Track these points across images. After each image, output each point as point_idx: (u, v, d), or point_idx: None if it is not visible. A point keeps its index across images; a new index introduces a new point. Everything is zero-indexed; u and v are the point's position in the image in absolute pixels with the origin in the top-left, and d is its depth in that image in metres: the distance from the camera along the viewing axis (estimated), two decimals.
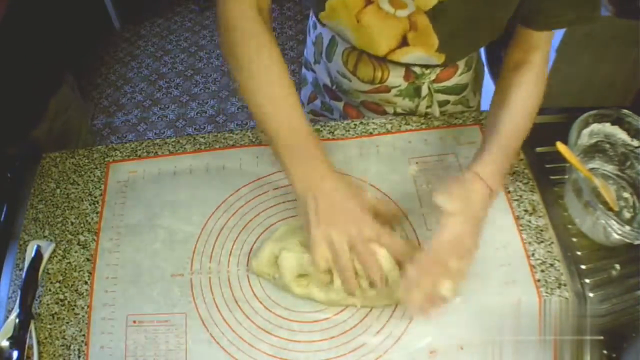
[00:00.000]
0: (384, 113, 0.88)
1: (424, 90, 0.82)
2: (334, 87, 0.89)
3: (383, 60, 0.78)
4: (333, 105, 0.95)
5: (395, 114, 0.88)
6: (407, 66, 0.78)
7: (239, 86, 0.65)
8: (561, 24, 0.68)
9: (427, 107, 0.85)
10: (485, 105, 0.97)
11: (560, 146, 0.66)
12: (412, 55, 0.74)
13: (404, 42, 0.72)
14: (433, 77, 0.81)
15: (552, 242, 0.69)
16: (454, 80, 0.83)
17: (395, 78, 0.81)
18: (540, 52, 0.69)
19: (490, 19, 0.70)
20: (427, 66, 0.78)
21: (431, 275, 0.57)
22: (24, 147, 0.89)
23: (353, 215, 0.60)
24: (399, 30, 0.70)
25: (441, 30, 0.69)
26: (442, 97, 0.85)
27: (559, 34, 1.25)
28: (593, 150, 0.74)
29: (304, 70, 1.00)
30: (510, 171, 0.73)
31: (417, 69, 0.79)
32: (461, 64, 0.81)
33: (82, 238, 0.74)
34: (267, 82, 0.64)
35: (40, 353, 0.64)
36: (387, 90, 0.83)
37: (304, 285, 0.65)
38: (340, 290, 0.62)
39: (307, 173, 0.62)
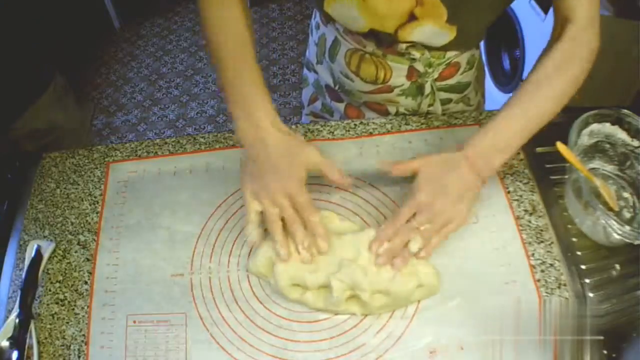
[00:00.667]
0: (387, 113, 0.88)
1: (427, 89, 0.82)
2: (336, 88, 0.89)
3: (386, 57, 0.77)
4: (334, 107, 0.94)
5: (398, 113, 0.87)
6: (411, 65, 0.78)
7: (203, 24, 0.69)
8: None
9: (430, 105, 0.85)
10: (488, 106, 0.97)
11: (560, 146, 0.66)
12: (422, 29, 0.71)
13: (412, 17, 0.70)
14: (436, 75, 0.81)
15: (552, 242, 0.69)
16: (457, 78, 0.83)
17: (398, 77, 0.80)
18: (573, 24, 0.65)
19: None
20: (433, 49, 0.76)
21: (402, 233, 0.63)
22: (2, 144, 0.90)
23: (282, 175, 0.63)
24: (405, 8, 0.68)
25: None
26: (444, 95, 0.85)
27: None
28: (593, 150, 0.74)
29: (305, 71, 1.00)
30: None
31: (420, 67, 0.78)
32: (463, 62, 0.81)
33: (82, 238, 0.74)
34: (229, 31, 0.68)
35: (40, 353, 0.64)
36: (390, 90, 0.83)
37: (299, 293, 0.65)
38: (339, 302, 0.63)
39: (248, 124, 0.65)
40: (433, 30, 0.71)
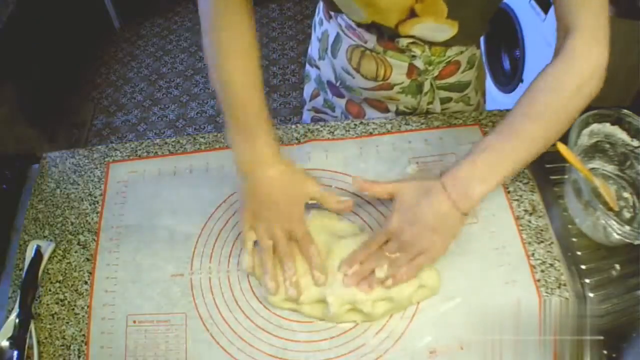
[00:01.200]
0: (387, 110, 0.88)
1: (427, 86, 0.82)
2: (337, 84, 0.90)
3: (387, 53, 0.77)
4: (335, 103, 0.95)
5: (398, 111, 0.88)
6: (411, 62, 0.78)
7: (205, 49, 0.66)
8: None
9: (429, 103, 0.85)
10: (489, 106, 0.97)
11: (560, 146, 0.66)
12: (422, 25, 0.70)
13: (412, 14, 0.69)
14: (436, 73, 0.81)
15: (552, 242, 0.69)
16: (457, 77, 0.83)
17: (398, 75, 0.80)
18: (574, 34, 0.57)
19: None
20: (435, 45, 0.76)
21: (371, 259, 0.62)
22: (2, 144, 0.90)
23: (282, 211, 0.64)
24: (406, 4, 0.68)
25: None
26: (444, 94, 0.85)
27: None
28: (593, 150, 0.74)
29: (307, 67, 1.01)
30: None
31: (420, 64, 0.78)
32: (464, 61, 0.81)
33: (82, 238, 0.74)
34: (234, 52, 0.65)
35: (40, 353, 0.64)
36: (390, 87, 0.83)
37: (294, 306, 0.64)
38: (338, 316, 0.62)
39: (249, 153, 0.64)
40: (433, 26, 0.71)
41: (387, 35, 0.76)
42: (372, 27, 0.76)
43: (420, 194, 0.61)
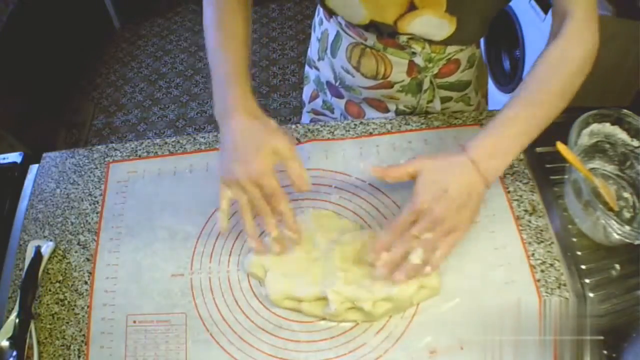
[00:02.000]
0: (386, 110, 0.88)
1: (426, 84, 0.82)
2: (337, 84, 0.90)
3: (387, 50, 0.78)
4: (334, 104, 0.95)
5: (397, 111, 0.88)
6: (411, 60, 0.78)
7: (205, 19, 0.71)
8: None
9: (429, 101, 0.85)
10: (489, 107, 0.97)
11: (560, 146, 0.66)
12: (421, 20, 0.70)
13: (411, 7, 0.69)
14: (436, 70, 0.81)
15: (552, 242, 0.69)
16: (457, 76, 0.83)
17: (398, 73, 0.81)
18: (571, 19, 0.63)
19: None
20: (435, 43, 0.76)
21: (400, 243, 0.59)
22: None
23: (248, 162, 0.62)
24: None
25: None
26: (444, 93, 0.85)
27: None
28: (593, 150, 0.74)
29: (306, 68, 1.01)
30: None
31: (420, 61, 0.78)
32: (464, 59, 0.81)
33: (82, 238, 0.74)
34: (226, 23, 0.69)
35: (40, 353, 0.64)
36: (390, 85, 0.83)
37: (294, 304, 0.64)
38: (339, 313, 0.62)
39: (222, 104, 0.65)
40: (432, 21, 0.70)
41: (386, 33, 0.76)
42: (370, 26, 0.76)
43: (447, 168, 0.59)
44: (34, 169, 0.83)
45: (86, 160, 0.82)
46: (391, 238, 0.59)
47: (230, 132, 0.63)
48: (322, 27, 0.86)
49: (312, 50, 0.94)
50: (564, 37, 0.63)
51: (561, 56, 0.63)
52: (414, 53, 0.78)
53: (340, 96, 0.92)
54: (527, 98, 0.62)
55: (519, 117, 0.61)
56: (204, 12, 0.72)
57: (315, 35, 0.91)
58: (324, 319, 0.64)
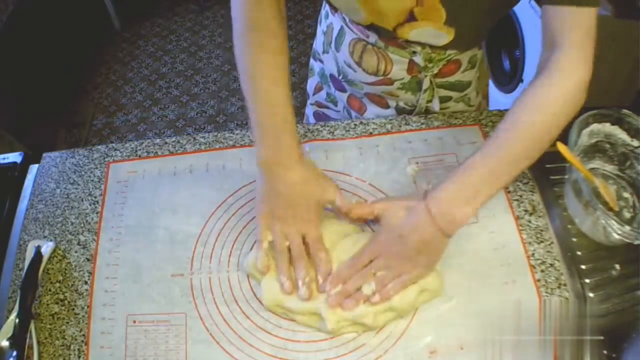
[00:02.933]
0: (387, 106, 0.88)
1: (426, 83, 0.82)
2: (340, 77, 0.90)
3: (388, 48, 0.78)
4: (338, 97, 0.95)
5: (397, 107, 0.88)
6: (411, 58, 0.78)
7: (236, 44, 0.67)
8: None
9: (428, 101, 0.85)
10: (491, 108, 0.97)
11: (560, 146, 0.66)
12: (420, 30, 0.71)
13: (411, 17, 0.70)
14: (436, 70, 0.81)
15: (552, 242, 0.69)
16: (457, 76, 0.83)
17: (399, 71, 0.81)
18: (561, 50, 0.57)
19: None
20: (434, 47, 0.76)
21: (356, 278, 0.62)
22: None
23: (300, 214, 0.64)
24: (405, 6, 0.68)
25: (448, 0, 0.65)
26: (444, 92, 0.85)
27: None
28: (593, 150, 0.74)
29: (311, 60, 1.01)
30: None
31: (420, 61, 0.78)
32: (464, 60, 0.81)
33: (82, 238, 0.74)
34: (264, 49, 0.65)
35: (40, 353, 0.64)
36: (391, 82, 0.83)
37: (288, 316, 0.64)
38: (337, 330, 0.62)
39: (272, 152, 0.65)
40: (431, 31, 0.71)
41: (386, 36, 0.76)
42: (371, 27, 0.76)
43: (405, 215, 0.62)
44: (34, 169, 0.83)
45: (86, 160, 0.82)
46: (349, 272, 0.63)
47: (285, 182, 0.64)
48: (328, 20, 0.87)
49: (318, 43, 0.95)
50: (549, 75, 0.58)
51: (542, 97, 0.58)
52: (414, 52, 0.78)
53: (343, 90, 0.92)
54: (499, 139, 0.59)
55: (484, 159, 0.59)
56: (235, 34, 0.67)
57: (320, 28, 0.91)
58: (320, 331, 0.63)
